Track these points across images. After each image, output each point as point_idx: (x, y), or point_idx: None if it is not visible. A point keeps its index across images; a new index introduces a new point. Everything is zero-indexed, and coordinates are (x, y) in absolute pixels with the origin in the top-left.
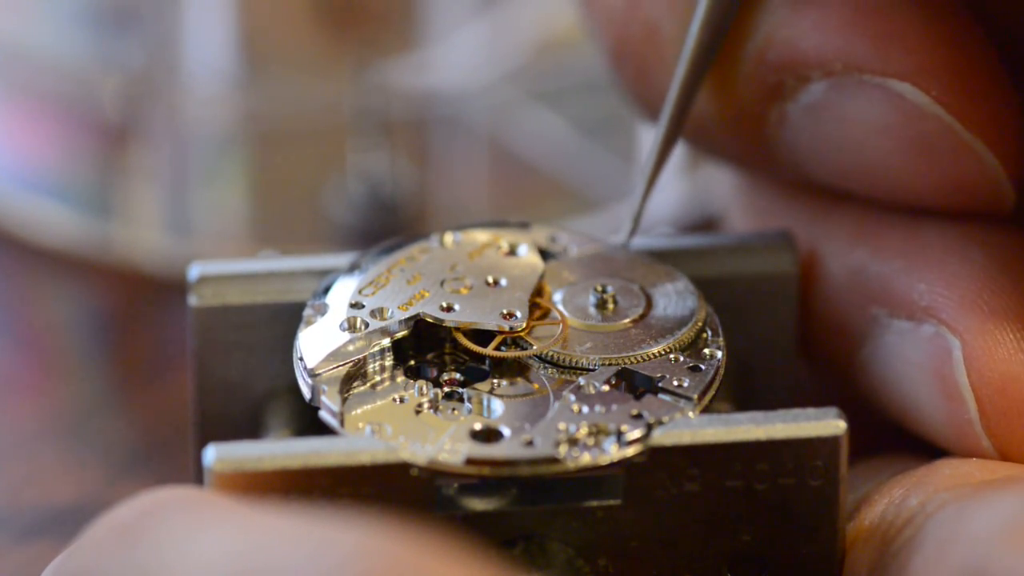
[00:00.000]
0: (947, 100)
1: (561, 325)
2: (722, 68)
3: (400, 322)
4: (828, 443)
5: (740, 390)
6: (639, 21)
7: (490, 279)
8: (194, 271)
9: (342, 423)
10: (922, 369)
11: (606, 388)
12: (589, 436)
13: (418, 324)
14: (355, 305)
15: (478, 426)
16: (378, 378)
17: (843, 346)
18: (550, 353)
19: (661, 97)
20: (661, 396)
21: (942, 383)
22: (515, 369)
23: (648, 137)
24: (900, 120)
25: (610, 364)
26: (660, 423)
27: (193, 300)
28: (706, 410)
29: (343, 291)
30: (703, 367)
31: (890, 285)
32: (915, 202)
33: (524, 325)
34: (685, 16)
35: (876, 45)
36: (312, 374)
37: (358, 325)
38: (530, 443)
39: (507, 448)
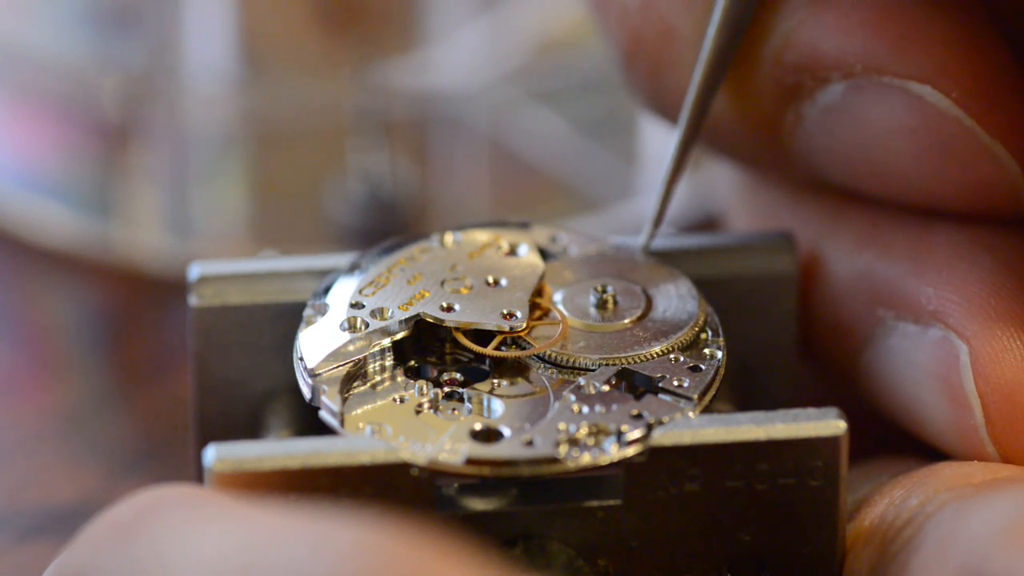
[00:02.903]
0: (967, 103)
1: (561, 325)
2: (739, 68)
3: (400, 322)
4: (828, 443)
5: (740, 390)
6: (654, 21)
7: (490, 279)
8: (194, 271)
9: (342, 423)
10: (928, 373)
11: (606, 388)
12: (589, 436)
13: (418, 324)
14: (355, 305)
15: (478, 426)
16: (378, 378)
17: (847, 347)
18: (550, 353)
19: (675, 97)
20: (661, 396)
21: (948, 388)
22: (515, 369)
23: (653, 135)
24: (919, 122)
25: (610, 364)
26: (660, 423)
27: (193, 300)
28: (706, 410)
29: (343, 291)
30: (703, 367)
31: (897, 288)
32: (931, 205)
33: (524, 325)
34: (702, 16)
35: (896, 47)
36: (312, 374)
37: (358, 325)
38: (530, 443)
39: (507, 448)
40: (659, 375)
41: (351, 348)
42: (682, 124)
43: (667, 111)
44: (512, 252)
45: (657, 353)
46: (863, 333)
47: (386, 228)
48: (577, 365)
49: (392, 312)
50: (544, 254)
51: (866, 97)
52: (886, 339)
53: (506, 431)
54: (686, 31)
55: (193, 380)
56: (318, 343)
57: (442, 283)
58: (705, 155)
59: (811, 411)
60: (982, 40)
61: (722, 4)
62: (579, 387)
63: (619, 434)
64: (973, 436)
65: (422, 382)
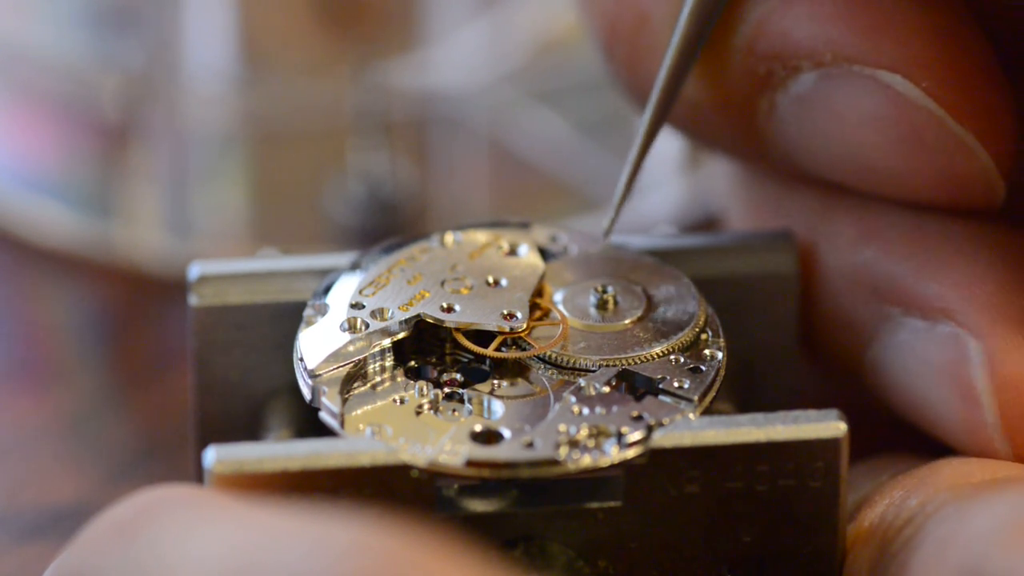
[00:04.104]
0: (938, 92)
1: (561, 326)
2: (712, 57)
3: (401, 323)
4: (829, 445)
5: (741, 391)
6: (630, 8)
7: (490, 279)
8: (194, 271)
9: (342, 424)
10: (937, 369)
11: (606, 389)
12: (589, 438)
13: (419, 324)
14: (355, 305)
15: (478, 427)
16: (378, 379)
17: (851, 343)
18: (550, 354)
19: (651, 84)
20: (661, 397)
21: (958, 384)
22: (515, 370)
23: (647, 161)
24: (890, 112)
25: (610, 365)
26: (660, 425)
27: (193, 300)
28: (707, 411)
29: (343, 291)
30: (703, 368)
31: (902, 284)
32: (904, 195)
33: (524, 326)
34: (675, 3)
35: (867, 36)
36: (312, 375)
37: (358, 325)
38: (530, 445)
39: (507, 450)
40: (659, 376)
41: (351, 349)
42: (648, 110)
43: (645, 99)
44: (512, 252)
45: (657, 354)
46: (868, 329)
47: (386, 228)
48: (577, 366)
49: (392, 312)
50: (544, 254)
51: (837, 86)
52: (893, 334)
53: (506, 432)
54: (661, 18)
55: (193, 380)
56: (318, 343)
57: (442, 283)
58: (702, 153)
59: (811, 413)
60: (954, 29)
61: None
62: (579, 388)
63: (619, 436)
64: (983, 433)
65: (422, 383)
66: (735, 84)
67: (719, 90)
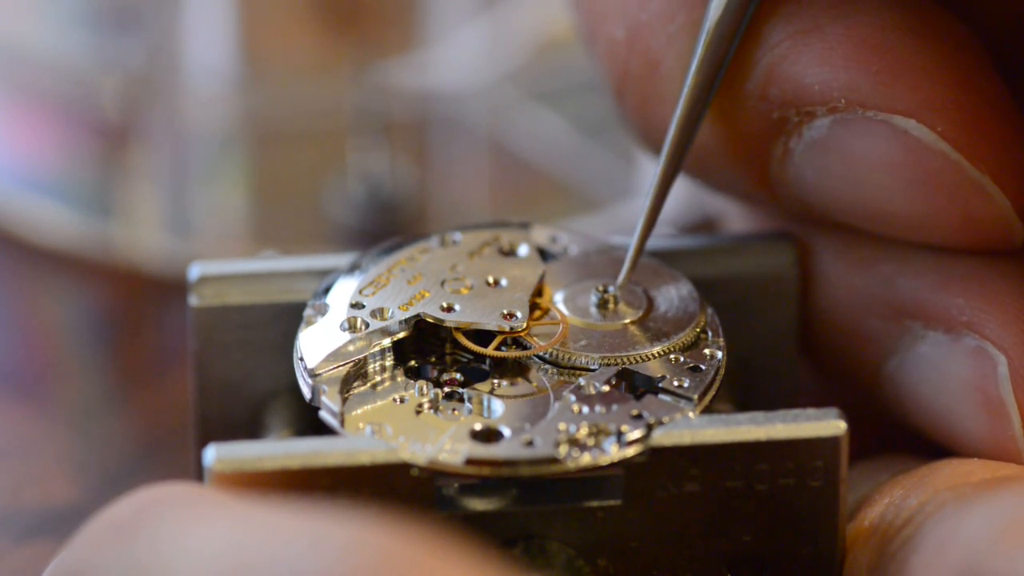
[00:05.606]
0: (953, 136)
1: (561, 325)
2: (724, 103)
3: (400, 322)
4: (828, 444)
5: (740, 390)
6: (640, 55)
7: (490, 279)
8: (194, 271)
9: (342, 423)
10: (962, 383)
11: (606, 388)
12: (589, 436)
13: (419, 324)
14: (355, 305)
15: (478, 426)
16: (378, 378)
17: (865, 356)
18: (550, 353)
19: (662, 131)
20: (661, 396)
21: (984, 398)
22: (515, 369)
23: (646, 162)
24: (905, 157)
25: (610, 364)
26: (660, 423)
27: (193, 300)
28: (706, 410)
29: (343, 291)
30: (703, 367)
31: (924, 299)
32: (922, 239)
33: (524, 325)
34: (686, 50)
35: (880, 80)
36: (312, 374)
37: (358, 325)
38: (530, 443)
39: (507, 448)
40: (659, 375)
41: (351, 348)
42: (663, 158)
43: (656, 144)
44: (512, 252)
45: (658, 353)
46: (885, 343)
47: (386, 228)
48: (577, 365)
49: (392, 312)
50: (544, 254)
51: (852, 131)
52: (914, 348)
53: (506, 431)
54: (671, 65)
55: (193, 380)
56: (318, 343)
57: (442, 283)
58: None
59: (811, 411)
60: (968, 72)
61: (705, 37)
62: (579, 387)
63: (619, 434)
64: (1011, 447)
65: (422, 382)
66: (748, 130)
67: (732, 136)
